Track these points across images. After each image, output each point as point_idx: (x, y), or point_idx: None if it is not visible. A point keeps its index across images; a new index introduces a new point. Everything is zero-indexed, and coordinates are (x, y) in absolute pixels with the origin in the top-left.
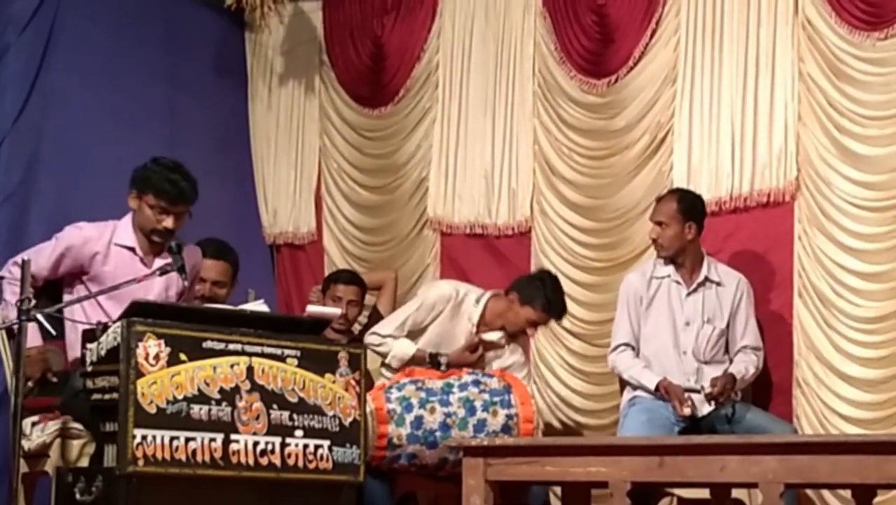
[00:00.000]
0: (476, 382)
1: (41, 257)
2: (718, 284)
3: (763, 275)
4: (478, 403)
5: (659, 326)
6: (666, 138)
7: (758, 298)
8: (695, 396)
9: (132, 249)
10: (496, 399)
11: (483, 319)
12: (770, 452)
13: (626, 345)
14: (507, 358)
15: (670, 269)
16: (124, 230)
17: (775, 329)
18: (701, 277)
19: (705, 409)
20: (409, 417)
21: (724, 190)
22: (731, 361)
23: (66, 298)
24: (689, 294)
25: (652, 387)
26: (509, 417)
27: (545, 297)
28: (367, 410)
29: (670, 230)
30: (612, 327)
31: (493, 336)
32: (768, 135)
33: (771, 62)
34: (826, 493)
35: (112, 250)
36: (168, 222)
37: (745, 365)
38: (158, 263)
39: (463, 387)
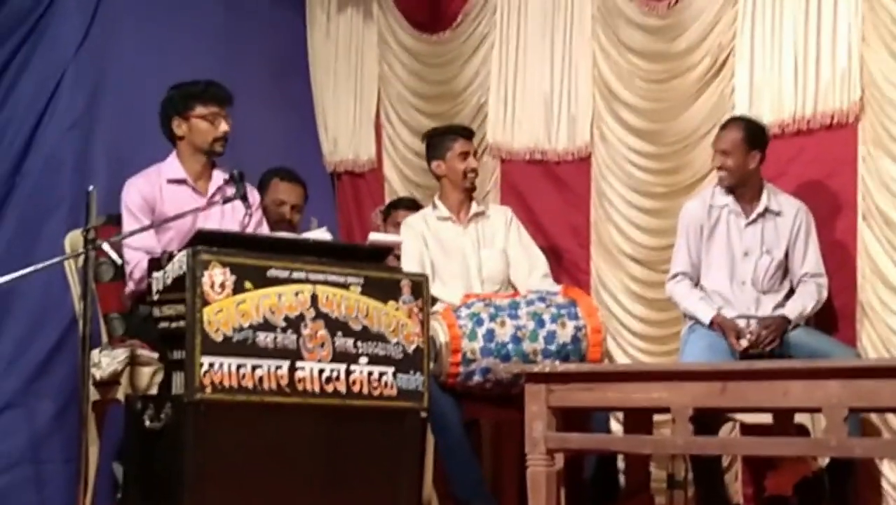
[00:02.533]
0: (542, 298)
1: (135, 232)
2: (778, 213)
3: (826, 198)
4: (546, 316)
5: (718, 255)
6: (727, 60)
7: (821, 222)
8: (754, 322)
9: (183, 182)
10: (563, 311)
11: (448, 204)
12: (834, 376)
13: (684, 274)
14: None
15: (729, 198)
16: (171, 166)
17: (839, 254)
18: (761, 208)
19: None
20: (481, 331)
21: (786, 112)
22: (791, 291)
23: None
24: (748, 224)
25: (707, 321)
26: (577, 328)
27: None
28: (440, 327)
29: (734, 159)
30: (672, 255)
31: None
32: (832, 55)
33: None
34: (890, 417)
35: (165, 189)
36: (224, 125)
37: (804, 300)
38: (212, 187)
39: (530, 302)
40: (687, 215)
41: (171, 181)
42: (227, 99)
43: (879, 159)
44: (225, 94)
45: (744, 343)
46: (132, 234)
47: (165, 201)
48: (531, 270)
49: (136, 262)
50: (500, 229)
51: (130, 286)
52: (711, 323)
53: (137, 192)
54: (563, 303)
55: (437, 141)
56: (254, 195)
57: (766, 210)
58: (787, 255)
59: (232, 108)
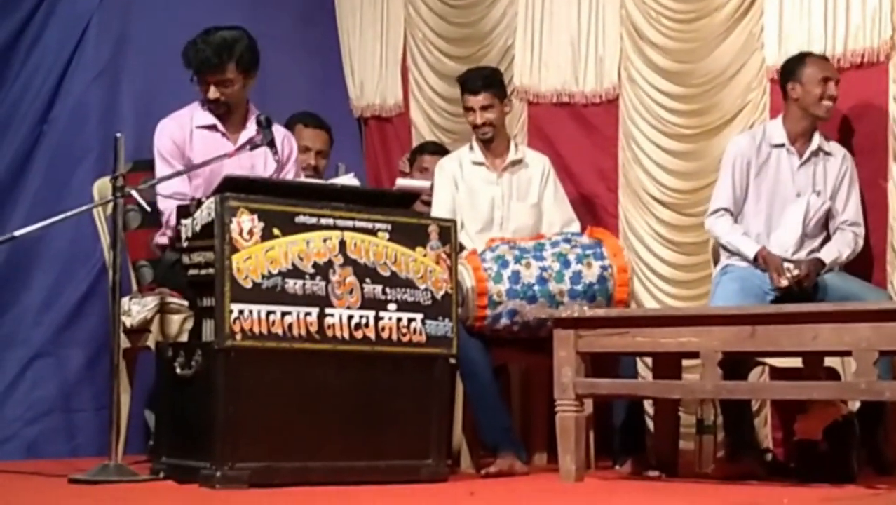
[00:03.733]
0: (566, 240)
1: (163, 180)
2: (829, 154)
3: (858, 137)
4: (571, 257)
5: (765, 195)
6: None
7: (853, 160)
8: (788, 264)
9: (213, 127)
10: (588, 252)
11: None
12: (864, 319)
13: (725, 210)
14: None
15: (784, 136)
16: (201, 111)
17: (870, 194)
18: (814, 146)
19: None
20: (506, 273)
21: (816, 51)
22: (828, 237)
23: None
24: (801, 164)
25: (751, 255)
26: (604, 267)
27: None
28: (465, 271)
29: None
30: (714, 190)
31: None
32: None
33: None
34: None
35: (195, 135)
36: (211, 93)
37: (839, 248)
38: (244, 136)
39: (555, 244)
40: (734, 150)
41: (200, 126)
42: (203, 68)
43: None
44: (202, 63)
45: (784, 282)
46: (163, 179)
47: (195, 147)
48: (563, 226)
49: (170, 210)
50: (536, 180)
51: (168, 234)
52: (756, 258)
53: (168, 137)
54: (589, 243)
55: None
56: (291, 144)
57: (819, 149)
58: (831, 198)
59: (220, 74)
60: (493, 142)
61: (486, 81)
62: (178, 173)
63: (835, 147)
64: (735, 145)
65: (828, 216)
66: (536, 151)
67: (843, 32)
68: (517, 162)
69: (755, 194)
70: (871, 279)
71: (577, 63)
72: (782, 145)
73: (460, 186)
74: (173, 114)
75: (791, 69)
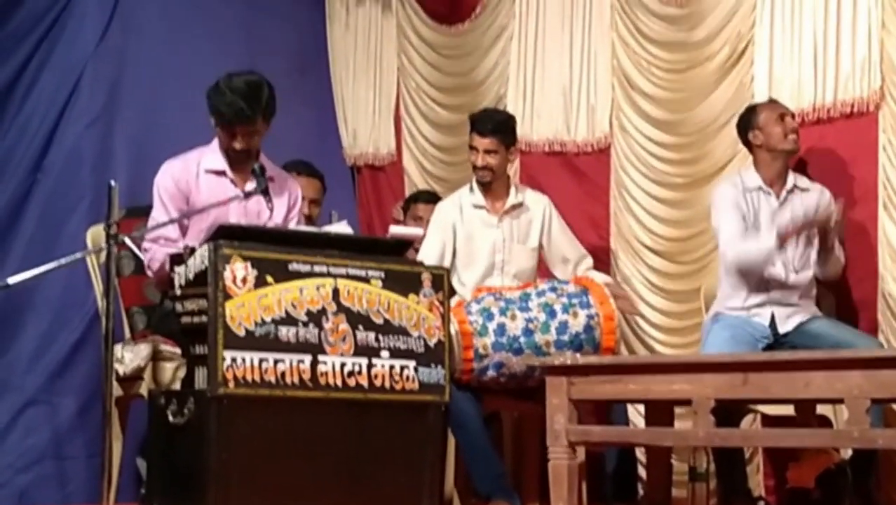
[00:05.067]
0: (553, 288)
1: (157, 227)
2: (805, 190)
3: (847, 187)
4: (557, 306)
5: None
6: (746, 49)
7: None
8: (777, 311)
9: (222, 173)
10: (574, 301)
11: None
12: (855, 367)
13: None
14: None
15: (759, 180)
16: (212, 155)
17: (860, 242)
18: (790, 185)
19: (790, 324)
20: (492, 326)
21: (806, 101)
22: (818, 266)
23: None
24: (780, 204)
25: (773, 241)
26: (590, 316)
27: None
28: (452, 329)
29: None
30: (722, 228)
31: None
32: (851, 43)
33: None
34: None
35: (202, 178)
36: (236, 143)
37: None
38: (252, 185)
39: (540, 294)
40: (724, 192)
41: (209, 171)
42: (236, 120)
43: None
44: (236, 115)
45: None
46: (160, 226)
47: (201, 191)
48: (577, 263)
49: (151, 252)
50: (537, 223)
51: (149, 274)
52: (784, 236)
53: (172, 178)
54: (575, 292)
55: None
56: (296, 191)
57: (795, 187)
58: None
59: (251, 126)
60: (491, 185)
61: (496, 126)
62: (178, 219)
63: (810, 184)
64: (722, 188)
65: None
66: (536, 192)
67: (833, 82)
68: (518, 206)
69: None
70: (861, 327)
71: (568, 112)
72: (759, 188)
73: (459, 230)
74: (181, 155)
75: (747, 120)
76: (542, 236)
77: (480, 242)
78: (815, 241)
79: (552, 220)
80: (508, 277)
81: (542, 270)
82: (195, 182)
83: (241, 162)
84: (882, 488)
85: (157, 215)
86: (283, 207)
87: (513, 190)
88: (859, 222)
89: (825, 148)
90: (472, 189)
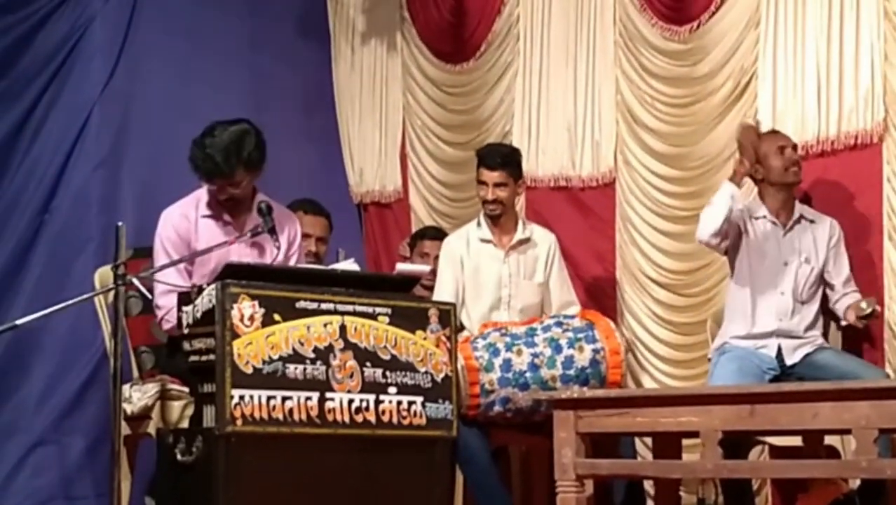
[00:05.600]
0: (558, 323)
1: (164, 267)
2: (812, 221)
3: (852, 218)
4: (563, 341)
5: (754, 266)
6: (750, 83)
7: (847, 241)
8: (784, 342)
9: (218, 217)
10: (580, 335)
11: (489, 227)
12: (863, 397)
13: None
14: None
15: (765, 210)
16: (209, 199)
17: (865, 273)
18: (796, 215)
19: (797, 355)
20: (498, 361)
21: (810, 134)
22: (825, 300)
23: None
24: (785, 233)
25: (729, 190)
26: (595, 350)
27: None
28: (458, 364)
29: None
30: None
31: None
32: (854, 76)
33: (856, 1)
34: None
35: (200, 223)
36: (220, 195)
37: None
38: (250, 223)
39: (546, 329)
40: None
41: (206, 216)
42: (215, 175)
43: None
44: (213, 170)
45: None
46: (162, 268)
47: (200, 236)
48: (562, 308)
49: (167, 307)
50: (542, 259)
51: (165, 327)
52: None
53: (172, 227)
54: (580, 326)
55: None
56: (295, 227)
57: (801, 217)
58: (824, 265)
59: (229, 178)
60: (500, 219)
61: (504, 160)
62: (180, 261)
63: (818, 215)
64: None
65: (821, 283)
66: (544, 228)
67: (837, 114)
68: (525, 241)
69: (746, 266)
70: (867, 358)
71: (573, 148)
72: (765, 217)
73: (466, 264)
74: (178, 202)
75: None
76: (546, 273)
77: (487, 276)
78: (823, 277)
79: (554, 259)
80: (515, 312)
81: None
82: (194, 228)
83: (236, 206)
84: None
85: (163, 266)
86: (284, 244)
87: (520, 225)
88: (865, 253)
89: (829, 180)
90: (479, 224)
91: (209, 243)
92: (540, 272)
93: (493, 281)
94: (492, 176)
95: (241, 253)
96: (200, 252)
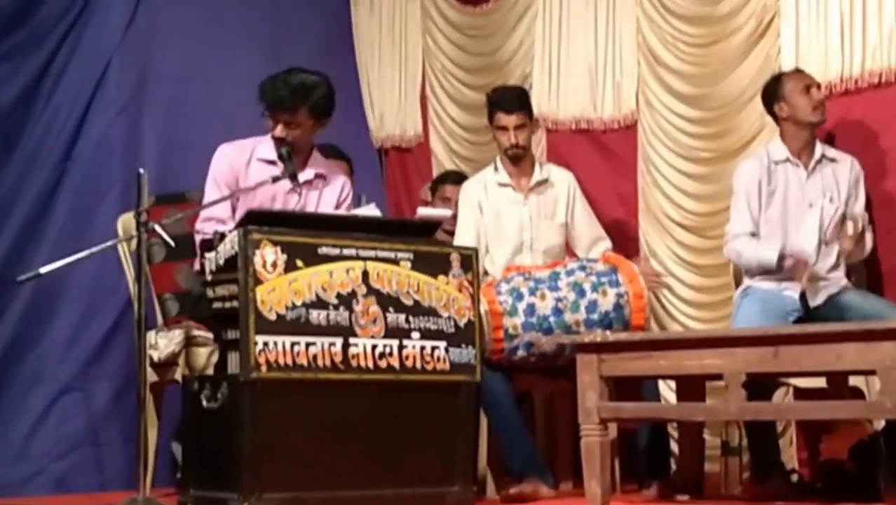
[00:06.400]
0: (582, 267)
1: (213, 202)
2: (833, 160)
3: (876, 158)
4: (586, 286)
5: (782, 209)
6: (772, 22)
7: (871, 182)
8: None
9: (272, 163)
10: (604, 279)
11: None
12: (887, 338)
13: (745, 234)
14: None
15: (787, 152)
16: (265, 145)
17: (889, 214)
18: (818, 155)
19: (821, 297)
20: (521, 306)
21: (833, 73)
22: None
23: None
24: (809, 175)
25: (775, 257)
26: (619, 295)
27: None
28: (482, 308)
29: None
30: (731, 217)
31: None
32: (878, 13)
33: None
34: None
35: (253, 166)
36: (277, 131)
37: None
38: (301, 178)
39: (570, 273)
40: (746, 174)
41: (261, 160)
42: (276, 107)
43: None
44: (276, 103)
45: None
46: (210, 204)
47: (250, 178)
48: (593, 243)
49: (202, 233)
50: (562, 199)
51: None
52: (781, 259)
53: (227, 161)
54: (604, 270)
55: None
56: (347, 186)
57: (824, 157)
58: (847, 204)
59: (291, 115)
60: (520, 161)
61: (520, 101)
62: (206, 206)
63: (839, 154)
64: (744, 171)
65: (843, 221)
66: (560, 168)
67: (861, 53)
68: (543, 182)
69: (770, 212)
70: (892, 298)
71: (594, 90)
72: (787, 160)
73: (486, 209)
74: (235, 141)
75: (772, 92)
76: (568, 213)
77: (508, 221)
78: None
79: (576, 197)
80: (538, 255)
81: (568, 249)
82: (245, 169)
83: (282, 151)
84: None
85: (209, 196)
86: (333, 199)
87: (537, 166)
88: (888, 193)
89: (853, 119)
90: (496, 168)
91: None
92: (561, 212)
93: (514, 225)
94: (511, 120)
95: (288, 202)
96: (250, 188)
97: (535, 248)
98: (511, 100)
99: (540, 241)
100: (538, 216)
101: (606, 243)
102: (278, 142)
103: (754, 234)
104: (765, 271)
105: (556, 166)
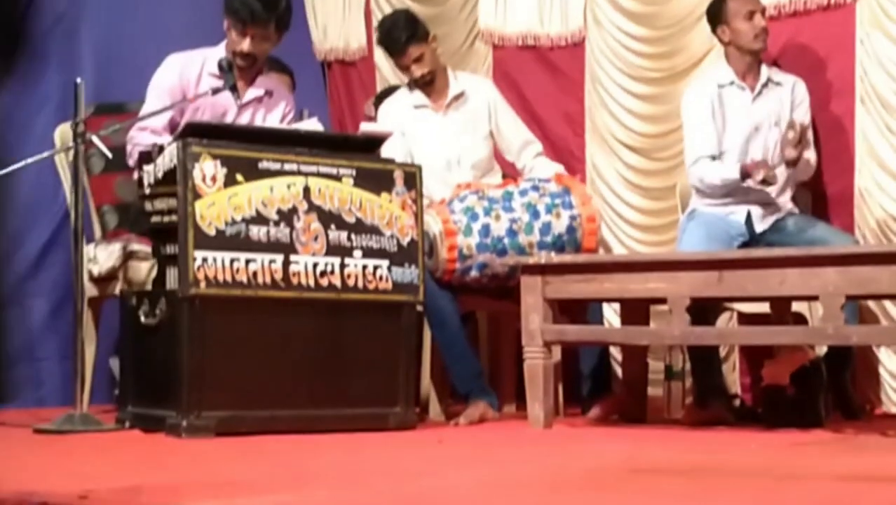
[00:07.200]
0: (535, 188)
1: (154, 112)
2: (779, 84)
3: (824, 81)
4: (540, 207)
5: (728, 133)
6: None
7: (818, 105)
8: (754, 209)
9: (222, 78)
10: (557, 201)
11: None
12: (830, 263)
13: (706, 157)
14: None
15: (732, 74)
16: (217, 58)
17: (836, 137)
18: (763, 79)
19: (766, 222)
20: (476, 226)
21: None
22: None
23: None
24: (754, 98)
25: (737, 170)
26: (572, 217)
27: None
28: (434, 223)
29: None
30: (686, 142)
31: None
32: None
33: None
34: (888, 304)
35: (203, 79)
36: (244, 45)
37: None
38: (252, 93)
39: (523, 193)
40: (695, 96)
41: (212, 74)
42: (251, 20)
43: (878, 41)
44: (251, 15)
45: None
46: (151, 115)
47: (200, 92)
48: (523, 147)
49: (135, 140)
50: (482, 111)
51: (129, 163)
52: (745, 173)
53: (176, 72)
54: (557, 191)
55: None
56: (290, 104)
57: (769, 80)
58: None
59: (263, 28)
60: (433, 83)
61: (407, 33)
62: (145, 116)
63: (785, 77)
64: (695, 93)
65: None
66: (476, 76)
67: None
68: (459, 96)
69: (723, 135)
70: (837, 224)
71: (542, 5)
72: (732, 83)
73: (407, 133)
74: (184, 52)
75: (716, 14)
76: (491, 123)
77: (430, 142)
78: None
79: (497, 105)
80: (466, 170)
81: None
82: (195, 81)
83: (244, 70)
84: (857, 385)
85: (150, 106)
86: (278, 117)
87: (451, 80)
88: (836, 117)
89: (802, 42)
90: (410, 89)
91: (206, 102)
92: (483, 124)
93: (437, 144)
94: (405, 58)
95: (240, 119)
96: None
97: (462, 164)
98: (397, 40)
99: (466, 157)
100: (461, 132)
101: (537, 146)
102: (241, 57)
103: (714, 157)
104: (728, 193)
105: (470, 75)
